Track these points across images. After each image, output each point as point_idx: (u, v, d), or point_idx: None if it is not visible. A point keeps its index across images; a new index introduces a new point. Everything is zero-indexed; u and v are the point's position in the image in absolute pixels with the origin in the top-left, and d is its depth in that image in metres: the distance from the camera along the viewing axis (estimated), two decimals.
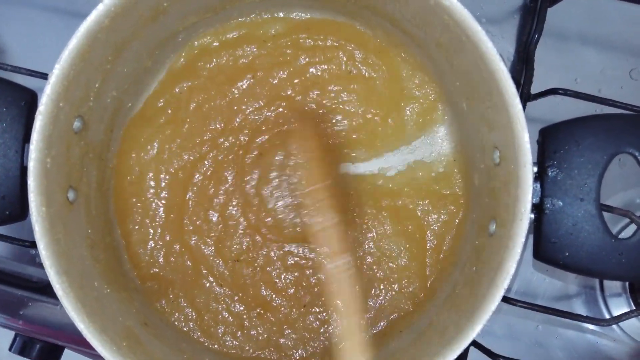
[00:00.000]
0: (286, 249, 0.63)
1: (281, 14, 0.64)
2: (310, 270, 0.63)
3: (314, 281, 0.63)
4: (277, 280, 0.63)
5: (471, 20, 0.49)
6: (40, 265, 0.49)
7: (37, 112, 0.48)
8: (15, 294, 0.68)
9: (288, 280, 0.63)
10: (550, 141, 0.53)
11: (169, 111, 0.64)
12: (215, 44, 0.64)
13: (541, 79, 0.66)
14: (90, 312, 0.49)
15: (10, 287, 0.68)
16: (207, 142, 0.64)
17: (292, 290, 0.63)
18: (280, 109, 0.64)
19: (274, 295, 0.63)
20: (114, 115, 0.60)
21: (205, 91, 0.64)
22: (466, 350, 0.60)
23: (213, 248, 0.63)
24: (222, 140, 0.64)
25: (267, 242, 0.63)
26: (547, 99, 0.64)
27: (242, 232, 0.64)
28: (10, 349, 0.67)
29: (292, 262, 0.63)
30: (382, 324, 0.62)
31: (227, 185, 0.64)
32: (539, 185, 0.53)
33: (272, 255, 0.63)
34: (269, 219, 0.63)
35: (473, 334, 0.48)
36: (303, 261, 0.63)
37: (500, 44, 0.70)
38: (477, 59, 0.50)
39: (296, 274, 0.63)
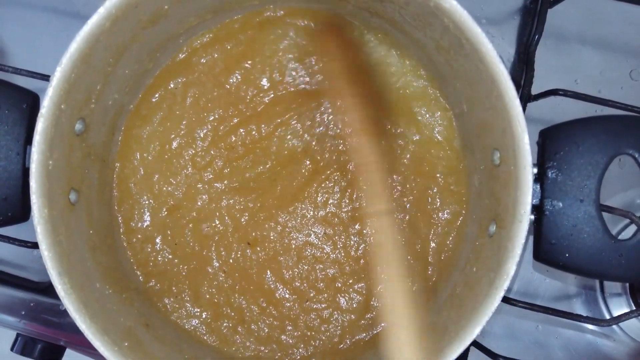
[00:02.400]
0: (308, 239, 0.63)
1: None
2: (321, 265, 0.63)
3: (322, 276, 0.63)
4: (285, 271, 0.63)
5: (471, 22, 0.49)
6: (42, 266, 0.49)
7: (39, 115, 0.49)
8: (17, 294, 0.68)
9: (296, 273, 0.63)
10: (550, 142, 0.53)
11: (164, 107, 0.63)
12: (210, 35, 0.64)
13: (541, 80, 0.66)
14: (92, 313, 0.49)
15: (12, 287, 0.68)
16: (207, 138, 0.64)
17: (298, 283, 0.63)
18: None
19: (279, 285, 0.63)
20: (116, 117, 0.60)
21: (201, 84, 0.64)
22: (466, 350, 0.60)
23: (224, 252, 0.63)
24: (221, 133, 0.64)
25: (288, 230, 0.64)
26: (547, 99, 0.64)
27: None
28: (11, 349, 0.67)
29: (308, 253, 0.63)
30: (382, 324, 0.62)
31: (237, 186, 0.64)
32: (538, 186, 0.53)
33: (292, 244, 0.63)
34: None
35: (473, 335, 0.48)
36: (319, 253, 0.63)
37: (501, 45, 0.70)
38: (477, 61, 0.50)
39: (306, 266, 0.63)
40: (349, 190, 0.64)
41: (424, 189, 0.63)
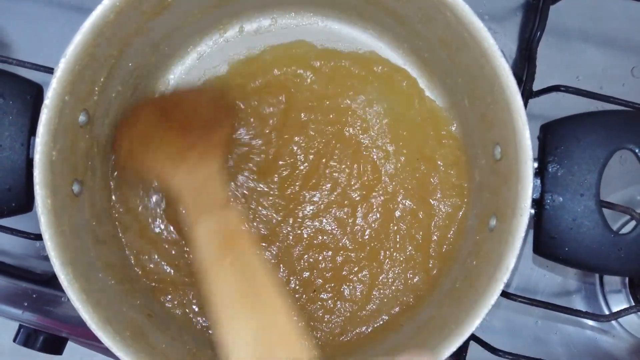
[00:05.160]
0: (317, 226, 0.63)
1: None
2: (330, 252, 0.63)
3: (330, 265, 0.63)
4: (297, 263, 0.63)
5: (473, 17, 0.49)
6: (45, 258, 0.49)
7: (43, 106, 0.49)
8: (20, 285, 0.69)
9: (306, 264, 0.63)
10: (551, 137, 0.53)
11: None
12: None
13: (543, 76, 0.66)
14: (95, 303, 0.50)
15: (14, 279, 0.69)
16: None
17: (307, 273, 0.63)
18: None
19: (290, 277, 0.62)
20: (119, 110, 0.61)
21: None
22: (466, 345, 0.61)
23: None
24: None
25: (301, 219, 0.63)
26: (549, 96, 0.64)
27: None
28: (14, 340, 0.68)
29: (319, 240, 0.63)
30: (383, 317, 0.62)
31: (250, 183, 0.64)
32: (539, 180, 0.53)
33: (304, 234, 0.63)
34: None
35: (472, 328, 0.49)
36: (328, 240, 0.63)
37: (503, 41, 0.70)
38: (479, 56, 0.50)
39: (316, 255, 0.63)
40: (356, 165, 0.63)
41: (425, 175, 0.63)
